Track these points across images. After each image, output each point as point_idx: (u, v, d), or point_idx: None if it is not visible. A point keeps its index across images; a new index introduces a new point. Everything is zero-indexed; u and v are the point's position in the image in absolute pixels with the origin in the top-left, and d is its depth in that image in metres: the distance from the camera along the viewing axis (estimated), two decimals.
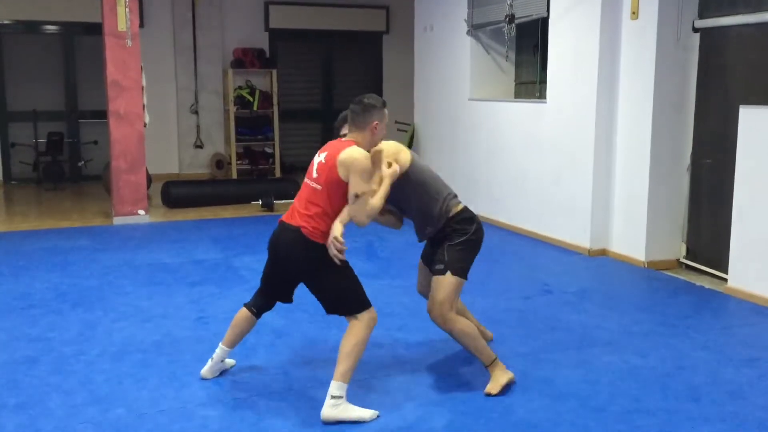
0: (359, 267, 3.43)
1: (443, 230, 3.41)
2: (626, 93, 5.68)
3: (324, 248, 3.12)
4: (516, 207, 6.87)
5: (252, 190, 8.38)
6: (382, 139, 3.29)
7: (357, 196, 3.08)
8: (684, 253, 5.61)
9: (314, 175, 3.18)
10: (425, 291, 3.66)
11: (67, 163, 9.88)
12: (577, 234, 6.06)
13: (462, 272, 3.40)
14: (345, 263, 3.18)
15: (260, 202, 7.99)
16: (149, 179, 7.68)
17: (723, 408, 3.21)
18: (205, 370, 3.49)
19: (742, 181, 4.78)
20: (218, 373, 3.51)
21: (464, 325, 3.37)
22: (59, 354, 3.80)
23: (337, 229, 3.10)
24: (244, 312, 3.43)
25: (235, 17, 10.50)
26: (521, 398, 3.30)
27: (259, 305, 3.41)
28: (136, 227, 7.11)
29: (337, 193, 3.12)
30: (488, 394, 3.31)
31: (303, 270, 3.18)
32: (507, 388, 3.37)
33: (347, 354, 3.07)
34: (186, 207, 8.06)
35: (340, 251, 3.10)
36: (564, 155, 6.18)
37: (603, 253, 5.94)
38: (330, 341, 3.91)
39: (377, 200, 3.14)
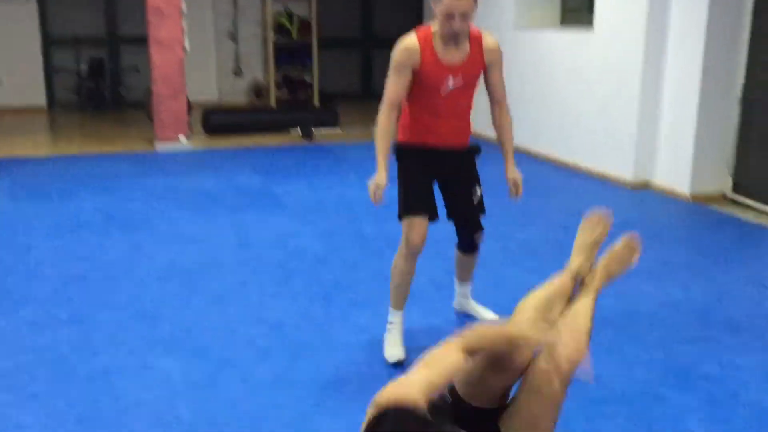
0: None
1: None
2: (677, 20, 5.46)
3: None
4: (559, 139, 6.76)
5: (291, 118, 8.37)
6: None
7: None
8: (731, 187, 5.50)
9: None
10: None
11: (108, 89, 9.98)
12: (620, 165, 5.95)
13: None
14: (404, 171, 2.98)
15: (299, 131, 7.99)
16: (189, 106, 7.72)
17: (765, 340, 3.19)
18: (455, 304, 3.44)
19: None
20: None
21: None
22: (107, 273, 3.93)
23: None
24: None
25: None
26: None
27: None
28: (178, 154, 7.19)
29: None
30: None
31: None
32: None
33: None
34: (226, 134, 8.11)
35: None
36: (610, 84, 6.02)
37: (646, 185, 5.84)
38: (370, 268, 3.95)
39: None
